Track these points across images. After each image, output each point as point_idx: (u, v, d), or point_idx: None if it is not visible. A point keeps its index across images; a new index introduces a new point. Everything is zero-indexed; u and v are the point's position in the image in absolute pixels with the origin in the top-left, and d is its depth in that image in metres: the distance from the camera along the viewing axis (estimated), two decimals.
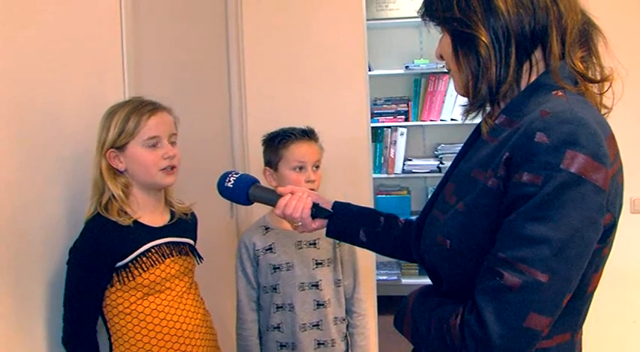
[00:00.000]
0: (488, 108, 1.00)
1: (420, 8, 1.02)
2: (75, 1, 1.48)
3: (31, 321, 1.30)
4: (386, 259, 3.80)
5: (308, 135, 1.85)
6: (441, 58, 1.03)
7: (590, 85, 0.94)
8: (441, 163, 3.79)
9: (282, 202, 1.29)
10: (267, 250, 1.86)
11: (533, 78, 0.95)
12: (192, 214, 1.60)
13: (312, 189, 1.72)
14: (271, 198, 1.32)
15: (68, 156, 1.43)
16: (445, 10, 0.96)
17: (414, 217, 1.31)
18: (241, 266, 1.88)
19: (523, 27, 0.91)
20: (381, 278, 3.72)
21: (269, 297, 1.85)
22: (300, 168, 1.81)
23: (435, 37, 1.04)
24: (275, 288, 1.84)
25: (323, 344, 1.85)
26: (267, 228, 1.88)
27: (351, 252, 1.94)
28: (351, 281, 1.94)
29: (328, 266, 1.87)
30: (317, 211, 1.29)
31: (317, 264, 1.85)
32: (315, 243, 1.86)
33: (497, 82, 0.93)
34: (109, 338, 1.42)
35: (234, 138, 2.63)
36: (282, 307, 1.84)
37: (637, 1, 2.59)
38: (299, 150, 1.82)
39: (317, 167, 1.84)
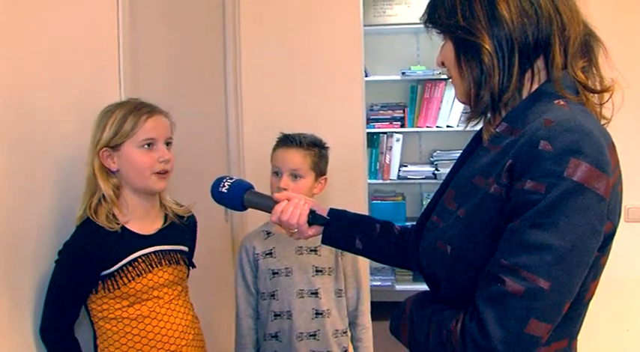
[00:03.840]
0: (488, 116, 1.00)
1: (423, 15, 1.02)
2: (72, 1, 1.48)
3: (22, 319, 1.29)
4: (380, 265, 3.79)
5: (290, 141, 1.81)
6: (443, 64, 1.03)
7: (591, 95, 0.95)
8: (437, 170, 3.80)
9: (278, 208, 1.27)
10: (267, 254, 1.84)
11: (535, 86, 0.95)
12: (191, 218, 1.57)
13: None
14: (267, 204, 1.30)
15: (63, 157, 1.42)
16: (449, 18, 0.96)
17: (408, 223, 1.31)
18: (241, 272, 1.86)
19: (526, 36, 0.92)
20: (375, 283, 3.71)
21: (267, 305, 1.83)
22: (277, 172, 1.79)
23: (432, 43, 1.04)
24: (273, 295, 1.82)
25: None
26: (268, 233, 1.86)
27: (354, 263, 1.90)
28: (354, 293, 1.90)
29: (329, 275, 1.84)
30: (313, 218, 1.27)
31: (317, 271, 1.83)
32: (315, 250, 1.83)
33: (500, 90, 0.93)
34: (95, 341, 1.41)
35: (230, 142, 2.62)
36: (279, 315, 1.81)
37: (637, 14, 2.60)
38: (277, 155, 1.82)
39: (296, 176, 1.77)
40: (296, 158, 1.78)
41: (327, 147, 1.88)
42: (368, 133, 3.35)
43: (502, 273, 0.83)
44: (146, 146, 1.38)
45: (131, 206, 1.42)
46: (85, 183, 1.39)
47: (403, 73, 3.75)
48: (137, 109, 1.38)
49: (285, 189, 1.73)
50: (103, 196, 1.37)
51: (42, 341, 1.34)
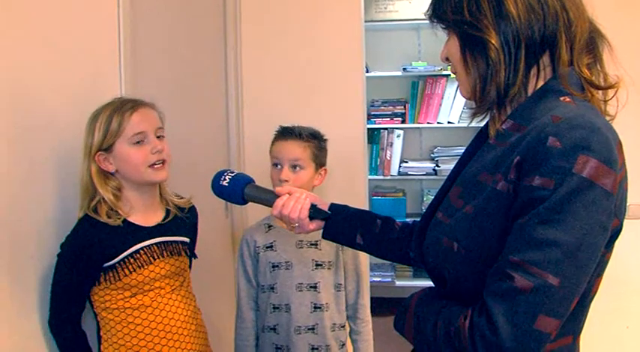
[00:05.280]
0: (493, 112, 1.00)
1: (428, 10, 1.01)
2: (72, 0, 1.48)
3: (28, 312, 1.31)
4: (380, 261, 3.80)
5: (289, 132, 1.81)
6: (447, 60, 1.02)
7: (596, 91, 0.95)
8: (437, 166, 3.79)
9: (279, 202, 1.27)
10: (267, 247, 1.84)
11: (541, 83, 0.95)
12: (192, 210, 1.58)
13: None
14: (268, 198, 1.30)
15: (62, 155, 1.42)
16: (455, 13, 0.96)
17: (409, 219, 1.30)
18: (242, 264, 1.87)
19: (533, 32, 0.92)
20: (375, 279, 3.72)
21: (266, 297, 1.84)
22: (277, 165, 1.79)
23: (433, 39, 1.03)
24: (272, 288, 1.82)
25: (317, 349, 1.82)
26: (269, 226, 1.87)
27: (355, 257, 1.90)
28: (355, 287, 1.90)
29: (329, 269, 1.84)
30: (315, 212, 1.27)
31: (317, 265, 1.83)
32: (316, 244, 1.83)
33: (506, 86, 0.93)
34: (98, 332, 1.42)
35: (231, 138, 2.62)
36: (278, 308, 1.82)
37: None
38: (276, 147, 1.81)
39: (296, 167, 1.77)
40: (296, 149, 1.78)
41: (326, 139, 1.88)
42: (369, 129, 3.34)
43: (511, 269, 0.83)
44: (136, 141, 1.37)
45: (132, 201, 1.43)
46: (81, 189, 1.39)
47: (404, 69, 3.74)
48: (121, 107, 1.38)
49: (286, 181, 1.74)
50: (103, 198, 1.38)
51: (50, 333, 1.35)
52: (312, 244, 1.83)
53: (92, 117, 1.39)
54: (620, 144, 0.88)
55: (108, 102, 1.42)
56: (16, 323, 1.26)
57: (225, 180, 1.31)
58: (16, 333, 1.26)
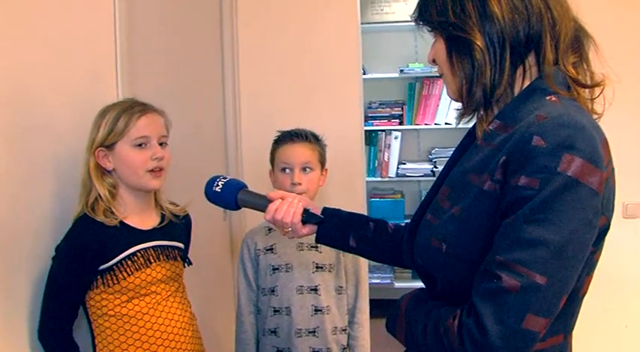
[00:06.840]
0: (481, 113, 1.00)
1: (414, 12, 1.02)
2: (70, 1, 1.48)
3: (18, 320, 1.29)
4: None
5: (296, 136, 1.83)
6: (434, 62, 1.03)
7: (582, 90, 0.95)
8: (435, 167, 3.80)
9: (272, 207, 1.27)
10: (268, 250, 1.85)
11: (527, 83, 0.96)
12: (187, 218, 1.58)
13: (303, 192, 1.71)
14: (261, 203, 1.30)
15: (61, 156, 1.42)
16: (440, 15, 0.96)
17: (407, 221, 1.31)
18: (242, 268, 1.87)
19: (517, 32, 0.92)
20: (374, 281, 3.71)
21: (267, 300, 1.84)
22: (286, 169, 1.80)
23: (430, 41, 1.04)
24: (273, 291, 1.83)
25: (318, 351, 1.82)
26: (270, 229, 1.87)
27: (355, 260, 1.90)
28: (353, 291, 1.91)
29: (330, 271, 1.85)
30: (307, 217, 1.27)
31: (317, 267, 1.84)
32: (316, 246, 1.83)
33: (492, 86, 0.94)
34: (93, 340, 1.41)
35: (228, 141, 2.62)
36: (278, 310, 1.82)
37: (627, 9, 2.61)
38: (284, 152, 1.82)
39: (306, 169, 1.80)
40: (306, 151, 1.81)
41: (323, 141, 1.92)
42: (366, 131, 3.35)
43: (498, 269, 0.83)
44: (138, 144, 1.38)
45: (128, 202, 1.43)
46: (81, 183, 1.40)
47: (401, 71, 3.74)
48: (130, 108, 1.39)
49: (299, 184, 1.76)
50: (100, 195, 1.38)
51: (40, 343, 1.32)
52: (312, 247, 1.84)
53: (101, 113, 1.40)
54: (605, 141, 0.88)
55: (120, 100, 1.43)
56: (4, 331, 1.25)
57: (218, 186, 1.31)
58: (5, 343, 1.24)
